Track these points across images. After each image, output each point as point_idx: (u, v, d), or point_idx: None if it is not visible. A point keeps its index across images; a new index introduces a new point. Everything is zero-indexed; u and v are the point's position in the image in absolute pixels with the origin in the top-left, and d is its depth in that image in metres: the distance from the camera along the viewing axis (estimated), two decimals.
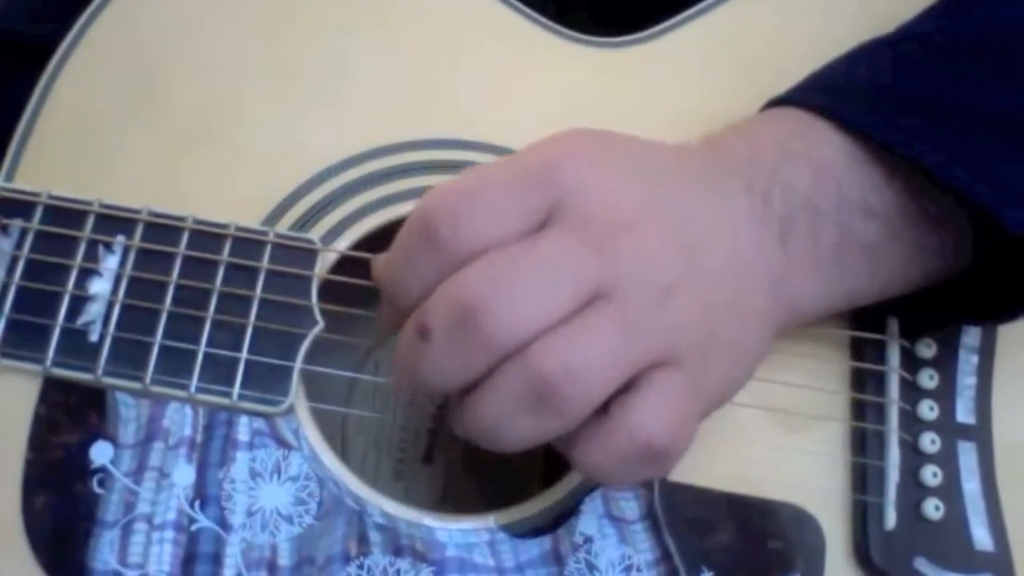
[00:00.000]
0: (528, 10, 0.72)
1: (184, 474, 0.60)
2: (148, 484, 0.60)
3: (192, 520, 0.60)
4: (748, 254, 0.56)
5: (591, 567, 0.60)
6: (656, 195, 0.54)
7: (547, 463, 0.70)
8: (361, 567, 0.60)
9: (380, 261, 0.56)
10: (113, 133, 0.68)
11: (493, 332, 0.50)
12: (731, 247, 0.55)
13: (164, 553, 0.59)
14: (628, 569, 0.61)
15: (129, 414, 0.61)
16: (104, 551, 0.59)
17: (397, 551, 0.60)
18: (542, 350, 0.50)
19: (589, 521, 0.61)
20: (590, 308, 0.51)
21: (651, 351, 0.51)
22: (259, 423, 0.62)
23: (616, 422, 0.51)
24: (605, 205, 0.52)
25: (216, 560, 0.59)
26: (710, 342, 0.53)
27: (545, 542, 0.61)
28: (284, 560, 0.60)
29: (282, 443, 0.61)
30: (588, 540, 0.61)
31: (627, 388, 0.51)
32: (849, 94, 0.60)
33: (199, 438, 0.61)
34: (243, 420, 0.62)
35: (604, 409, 0.52)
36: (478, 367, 0.51)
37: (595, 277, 0.51)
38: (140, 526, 0.59)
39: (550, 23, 0.72)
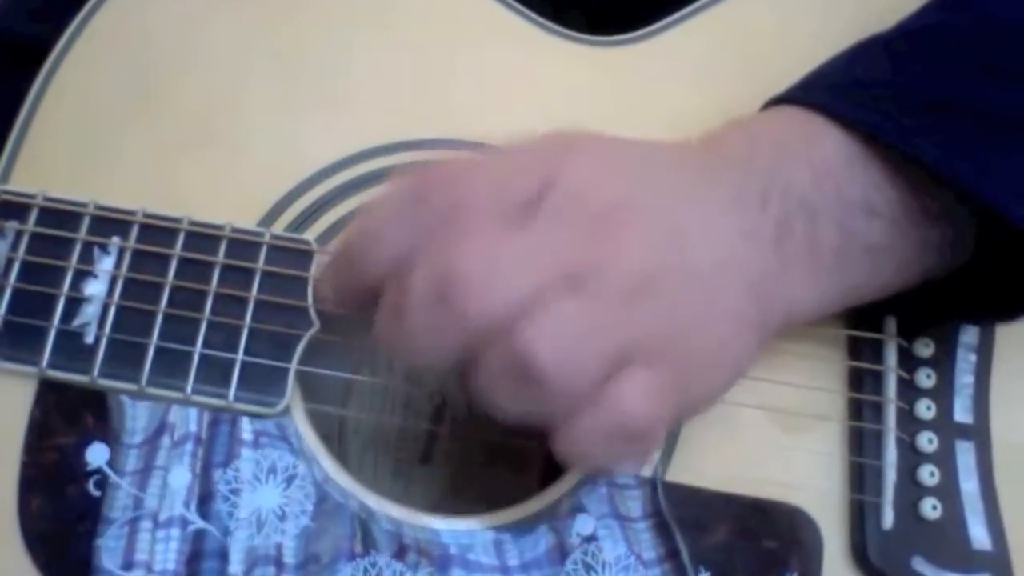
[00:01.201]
0: (526, 10, 0.72)
1: (184, 475, 0.60)
2: (152, 485, 0.60)
3: (191, 522, 0.60)
4: (727, 262, 0.55)
5: (594, 565, 0.60)
6: (645, 193, 0.55)
7: (545, 463, 0.70)
8: (362, 568, 0.60)
9: (355, 226, 0.56)
10: (112, 132, 0.68)
11: (468, 308, 0.50)
12: (707, 257, 0.55)
13: (170, 551, 0.59)
14: (632, 567, 0.60)
15: (136, 414, 0.61)
16: (105, 552, 0.59)
17: (399, 552, 0.60)
18: (533, 327, 0.50)
19: (593, 519, 0.61)
20: (568, 295, 0.51)
21: (626, 341, 0.52)
22: (261, 424, 0.62)
23: (598, 400, 0.52)
24: (595, 192, 0.53)
25: (222, 557, 0.60)
26: (685, 341, 0.54)
27: (549, 540, 0.61)
28: (290, 558, 0.60)
29: (281, 444, 0.62)
30: (592, 538, 0.61)
31: (606, 380, 0.52)
32: (848, 91, 0.60)
33: (203, 438, 0.61)
34: (246, 419, 0.62)
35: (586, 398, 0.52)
36: (452, 344, 0.52)
37: (571, 266, 0.51)
38: (142, 527, 0.60)
39: (548, 23, 0.72)
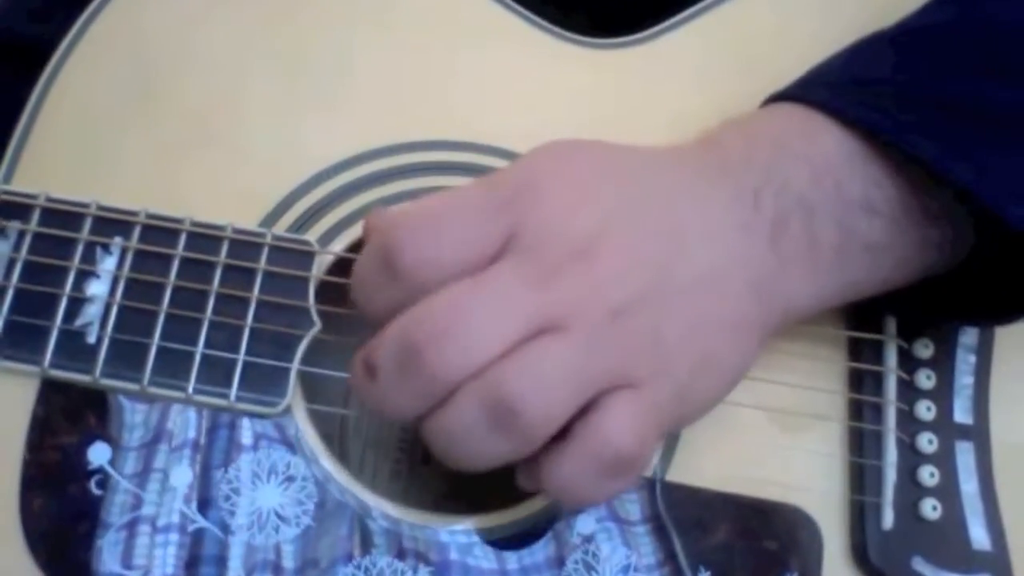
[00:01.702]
0: (527, 12, 0.72)
1: (185, 476, 0.60)
2: (152, 486, 0.60)
3: (192, 521, 0.60)
4: (727, 264, 0.56)
5: (593, 569, 0.60)
6: (625, 213, 0.55)
7: None
8: (363, 568, 0.60)
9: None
10: (113, 133, 0.68)
11: (435, 370, 0.51)
12: (706, 259, 0.55)
13: (168, 555, 0.59)
14: (631, 571, 0.60)
15: (135, 418, 0.61)
16: (107, 552, 0.59)
17: (399, 552, 0.60)
18: (502, 371, 0.51)
19: (591, 522, 0.61)
20: (541, 336, 0.51)
21: (606, 373, 0.52)
22: (262, 425, 0.62)
23: (581, 438, 0.52)
24: (561, 232, 0.53)
25: (220, 562, 0.59)
26: (672, 359, 0.54)
27: (547, 543, 0.61)
28: (288, 562, 0.60)
29: (282, 445, 0.62)
30: (590, 541, 0.61)
31: (586, 410, 0.52)
32: (847, 89, 0.60)
33: (202, 440, 0.61)
34: (245, 422, 0.62)
35: (563, 434, 0.52)
36: (424, 402, 0.52)
37: (541, 312, 0.51)
38: (144, 528, 0.60)
39: (549, 25, 0.72)
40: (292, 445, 0.62)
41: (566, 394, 0.51)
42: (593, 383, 0.52)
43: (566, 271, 0.52)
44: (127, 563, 0.59)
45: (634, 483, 0.58)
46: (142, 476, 0.60)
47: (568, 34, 0.72)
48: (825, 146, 0.58)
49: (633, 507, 0.62)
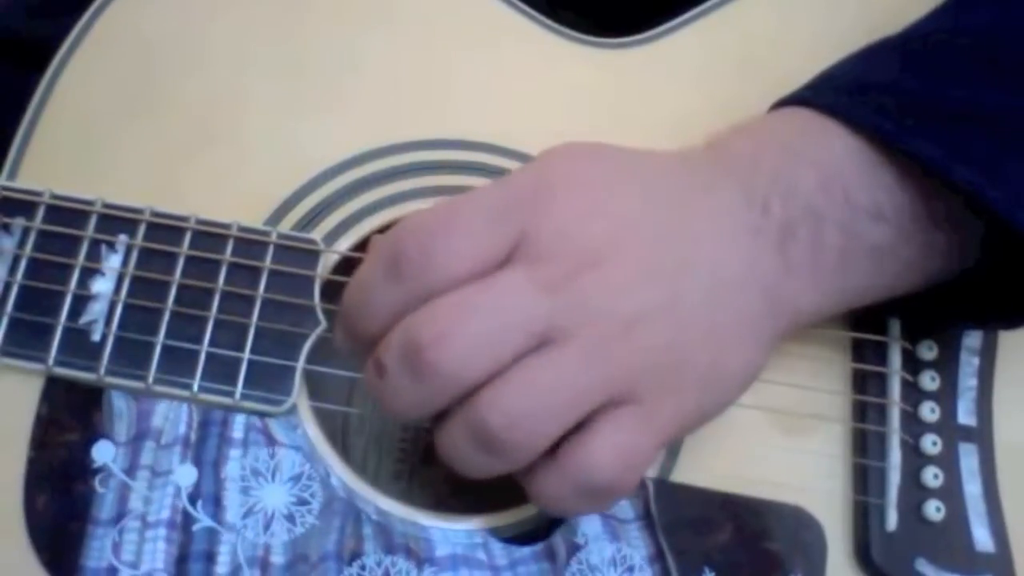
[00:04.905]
0: (530, 10, 0.72)
1: (183, 473, 0.60)
2: (140, 482, 0.60)
3: (190, 518, 0.60)
4: (737, 270, 0.56)
5: (585, 565, 0.60)
6: (638, 220, 0.55)
7: None
8: (367, 569, 0.60)
9: (345, 295, 0.57)
10: (116, 132, 0.68)
11: (440, 375, 0.51)
12: (716, 266, 0.55)
13: (158, 551, 0.59)
14: (621, 568, 0.61)
15: (122, 412, 0.61)
16: (98, 549, 0.59)
17: (391, 549, 0.60)
18: (485, 399, 0.52)
19: (584, 520, 0.61)
20: (538, 353, 0.52)
21: (606, 388, 0.53)
22: (253, 421, 0.62)
23: (562, 462, 0.53)
24: (572, 239, 0.53)
25: (210, 558, 0.59)
26: (678, 370, 0.54)
27: (550, 544, 0.61)
28: (278, 558, 0.60)
29: (274, 442, 0.61)
30: (585, 541, 0.61)
31: (580, 426, 0.53)
32: (857, 94, 0.60)
33: (193, 436, 0.61)
34: (238, 419, 0.62)
35: (558, 445, 0.53)
36: (432, 405, 0.53)
37: (545, 321, 0.52)
38: (134, 524, 0.59)
39: (552, 23, 0.72)
40: (289, 443, 0.62)
41: (552, 422, 0.52)
42: (590, 399, 0.53)
43: (577, 278, 0.52)
44: (121, 559, 0.59)
45: (631, 494, 0.61)
46: (131, 473, 0.60)
47: (571, 32, 0.72)
48: (834, 150, 0.58)
49: (627, 506, 0.62)
